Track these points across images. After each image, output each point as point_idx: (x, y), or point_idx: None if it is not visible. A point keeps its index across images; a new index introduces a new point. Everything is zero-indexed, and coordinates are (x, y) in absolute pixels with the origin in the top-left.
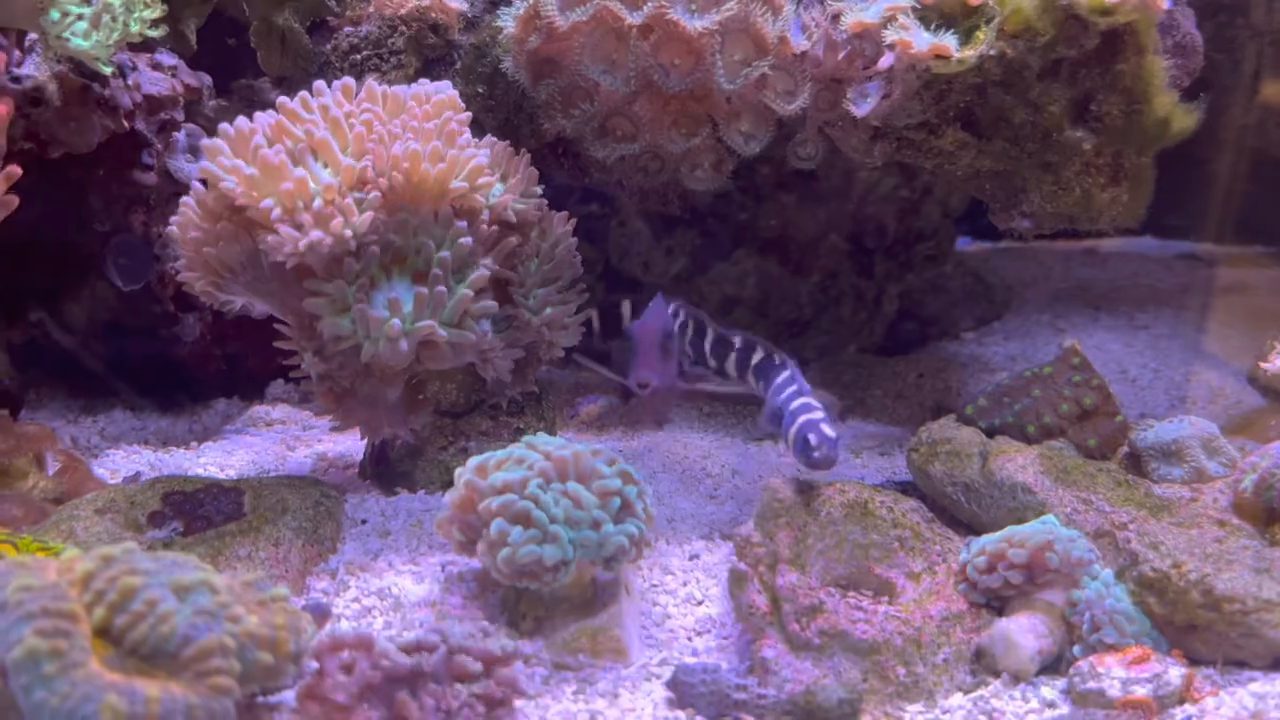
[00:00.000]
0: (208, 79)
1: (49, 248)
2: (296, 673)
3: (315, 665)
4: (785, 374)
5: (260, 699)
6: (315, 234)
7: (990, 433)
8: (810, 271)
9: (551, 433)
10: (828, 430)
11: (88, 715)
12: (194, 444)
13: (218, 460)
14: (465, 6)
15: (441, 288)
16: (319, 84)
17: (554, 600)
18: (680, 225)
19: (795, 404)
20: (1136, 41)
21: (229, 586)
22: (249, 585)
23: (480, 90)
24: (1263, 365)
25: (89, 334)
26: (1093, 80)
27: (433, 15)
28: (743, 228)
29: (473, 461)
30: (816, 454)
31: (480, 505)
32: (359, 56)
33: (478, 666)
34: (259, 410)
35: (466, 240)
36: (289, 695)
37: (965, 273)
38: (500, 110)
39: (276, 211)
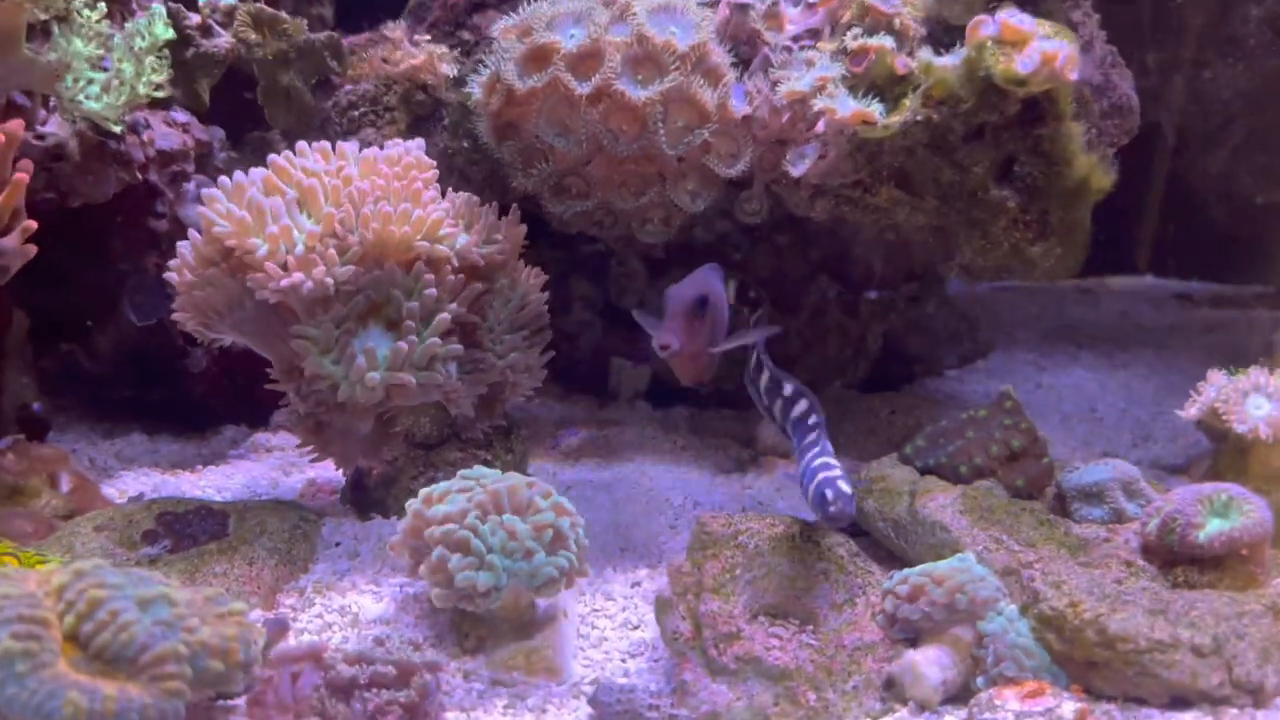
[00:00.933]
0: (220, 133)
1: (78, 285)
2: (247, 679)
3: (267, 674)
4: (813, 435)
5: (219, 702)
6: (298, 276)
7: (926, 472)
8: (799, 309)
9: (520, 465)
10: (844, 487)
11: (52, 710)
12: (199, 467)
13: (217, 483)
14: (452, 69)
15: (414, 337)
16: (301, 144)
17: (494, 621)
18: (676, 265)
19: (816, 462)
20: (1055, 108)
21: (188, 600)
22: (209, 600)
23: (466, 145)
24: (1184, 412)
25: (114, 364)
26: (1015, 143)
27: (422, 76)
28: (737, 267)
29: (422, 492)
30: (832, 509)
31: (425, 532)
32: (356, 113)
33: (393, 673)
34: (261, 437)
35: (431, 291)
36: (243, 701)
37: (950, 312)
38: (485, 163)
39: (263, 250)
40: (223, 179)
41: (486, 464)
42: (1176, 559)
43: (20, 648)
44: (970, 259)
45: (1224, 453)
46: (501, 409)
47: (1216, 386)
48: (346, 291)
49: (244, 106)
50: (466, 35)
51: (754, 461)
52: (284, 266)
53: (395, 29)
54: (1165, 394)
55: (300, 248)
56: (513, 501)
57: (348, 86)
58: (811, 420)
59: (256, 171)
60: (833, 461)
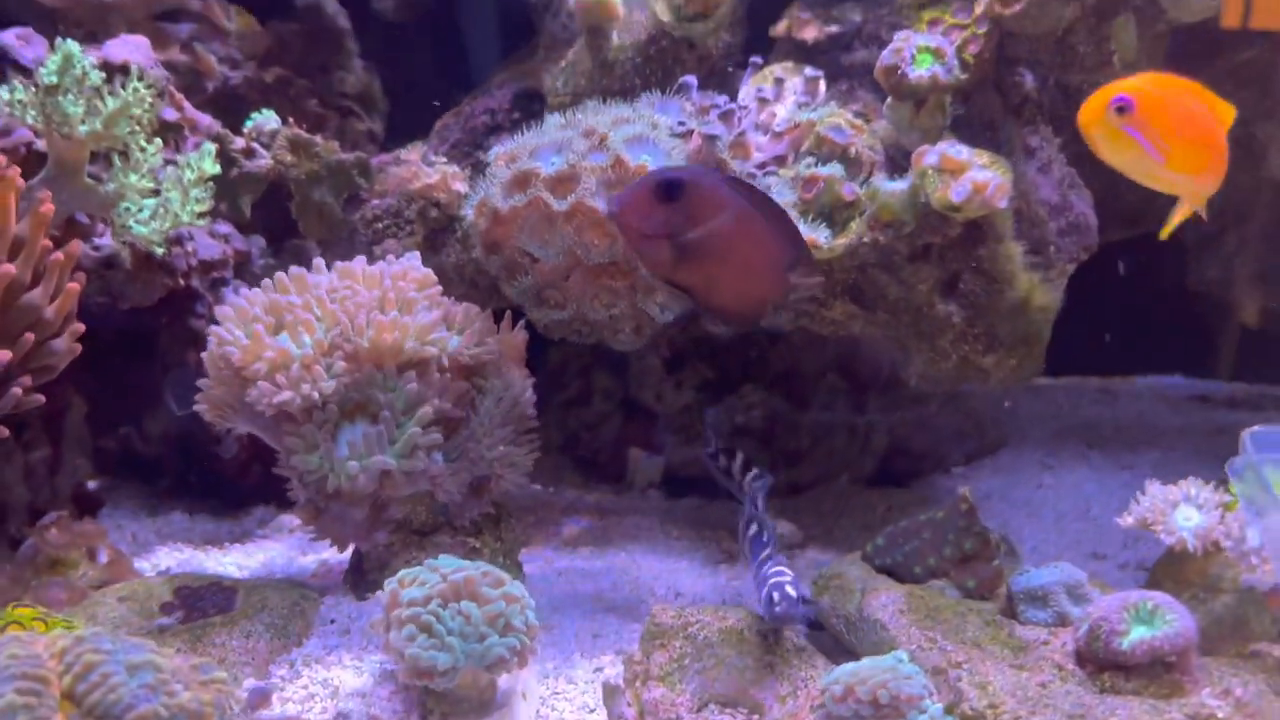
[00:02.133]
0: (260, 241)
1: (131, 376)
2: None
3: None
4: (766, 550)
5: None
6: (287, 394)
7: (884, 570)
8: (810, 406)
9: (510, 552)
10: (790, 591)
11: None
12: (227, 545)
13: (238, 560)
14: (465, 187)
15: (392, 426)
16: (317, 261)
17: (456, 699)
18: (692, 360)
19: (768, 568)
20: (994, 230)
21: (174, 667)
22: (195, 668)
23: (474, 256)
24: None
25: (162, 447)
26: (958, 262)
27: (435, 194)
28: (752, 364)
29: (398, 575)
30: (778, 609)
31: (392, 614)
32: (380, 225)
33: None
34: (285, 518)
35: (412, 386)
36: None
37: (956, 410)
38: (490, 274)
39: (262, 371)
40: (232, 298)
41: (475, 551)
42: (1103, 665)
43: (22, 701)
44: (923, 369)
45: (1161, 561)
46: (489, 498)
47: (1150, 496)
48: (333, 398)
49: (284, 214)
50: (482, 155)
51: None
52: (290, 381)
53: (412, 152)
54: None
55: (296, 366)
56: (470, 590)
57: (374, 201)
58: (765, 537)
59: (258, 295)
60: (785, 569)
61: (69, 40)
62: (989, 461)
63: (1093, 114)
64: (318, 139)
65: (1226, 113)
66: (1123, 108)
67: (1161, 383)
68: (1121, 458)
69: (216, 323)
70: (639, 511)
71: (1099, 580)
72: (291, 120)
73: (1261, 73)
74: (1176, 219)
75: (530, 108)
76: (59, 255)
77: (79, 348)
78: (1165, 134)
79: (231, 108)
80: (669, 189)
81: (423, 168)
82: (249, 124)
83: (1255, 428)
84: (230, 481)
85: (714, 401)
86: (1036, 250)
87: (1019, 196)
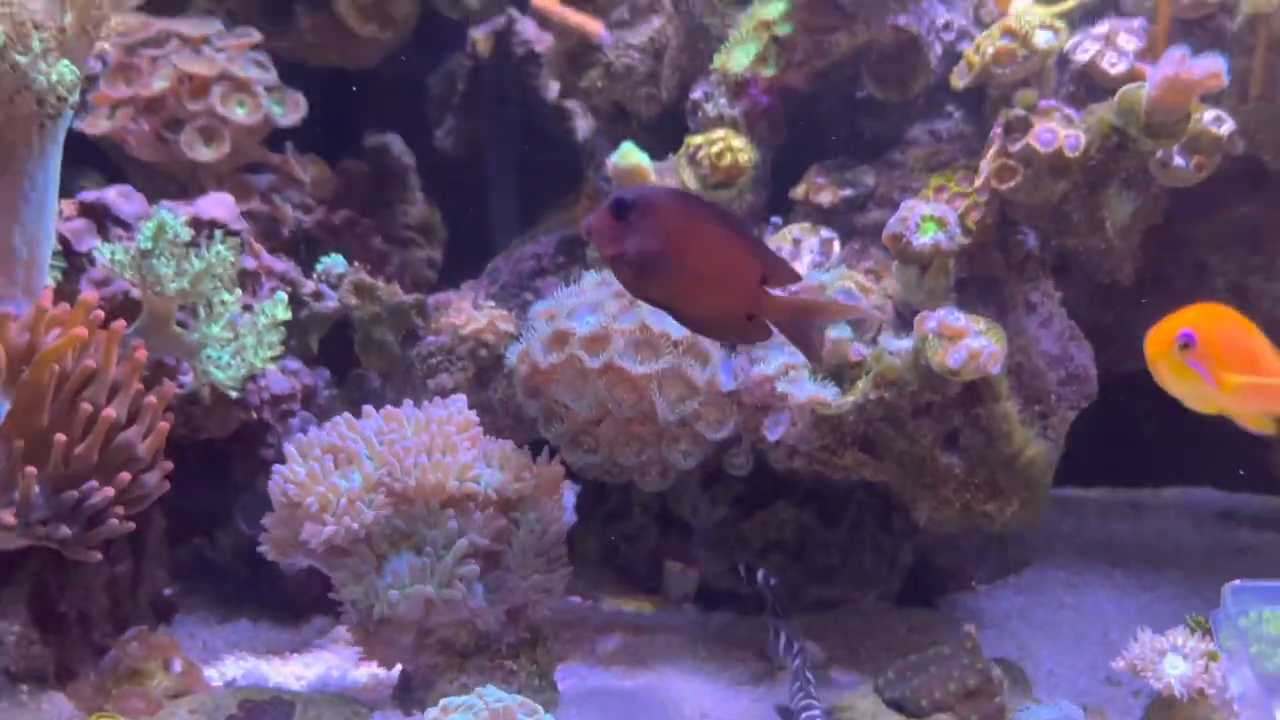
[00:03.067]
0: (325, 374)
1: (206, 496)
2: None
3: None
4: (796, 683)
5: None
6: (332, 528)
7: (892, 704)
8: (839, 524)
9: (545, 674)
10: None
11: None
12: (288, 654)
13: (296, 671)
14: (511, 326)
15: (436, 560)
16: (367, 408)
17: None
18: (726, 475)
19: (799, 700)
20: (991, 391)
21: None
22: None
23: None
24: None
25: (232, 559)
26: (958, 419)
27: (485, 335)
28: (784, 479)
29: (441, 701)
30: None
31: None
32: (434, 360)
33: None
34: (340, 630)
35: (452, 523)
36: None
37: (980, 529)
38: None
39: (314, 506)
40: (298, 436)
41: (512, 674)
42: None
43: None
44: (928, 515)
45: (1153, 704)
46: (526, 624)
47: (1140, 644)
48: (379, 532)
49: (348, 346)
50: (529, 296)
51: (770, 675)
52: (334, 513)
53: (465, 295)
54: (1180, 621)
55: (344, 501)
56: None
57: (429, 338)
58: (795, 664)
59: (318, 436)
60: (815, 703)
61: (164, 210)
62: (1012, 579)
63: (1158, 348)
64: (380, 284)
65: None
66: (1187, 344)
67: (1190, 496)
68: (1145, 577)
69: (283, 456)
70: (671, 629)
71: (1100, 714)
72: (357, 264)
73: (1254, 229)
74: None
75: (574, 252)
76: (153, 399)
77: (167, 485)
78: (1224, 366)
79: (304, 248)
80: (620, 208)
81: (473, 312)
82: (319, 267)
83: (1236, 582)
84: (293, 594)
85: (746, 516)
86: (1038, 400)
87: (1020, 351)
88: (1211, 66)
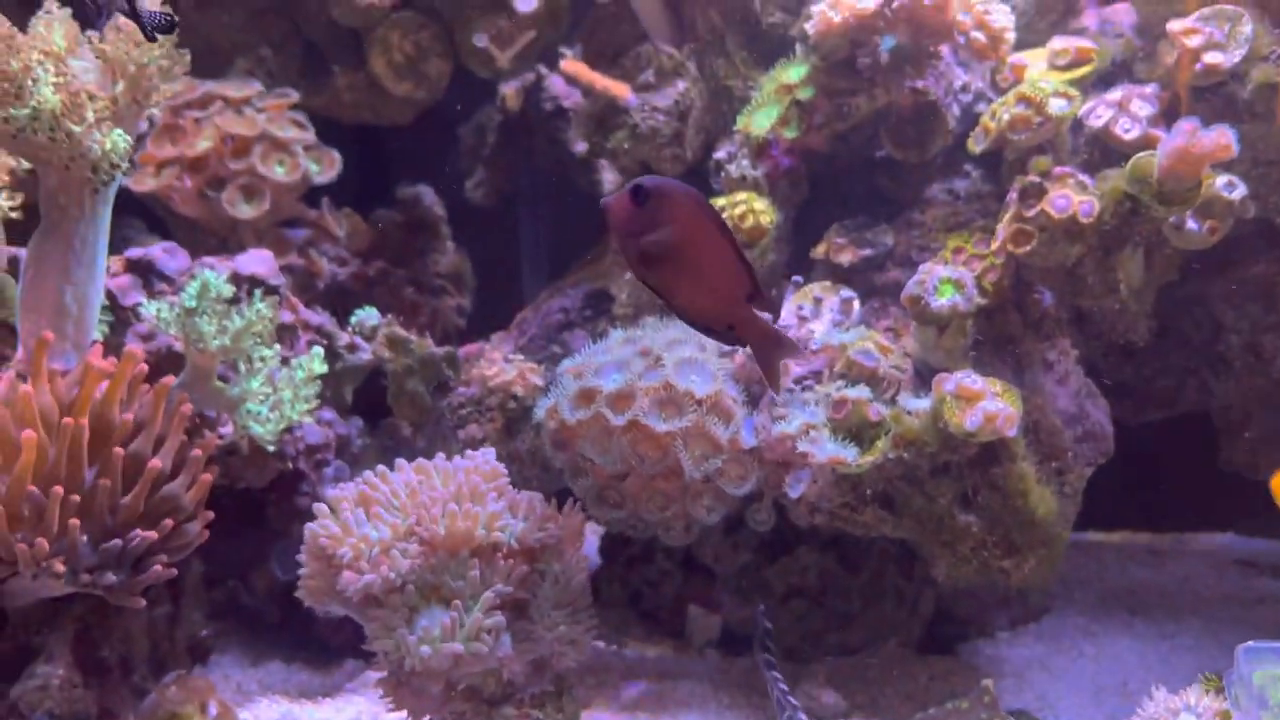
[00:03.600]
0: (358, 423)
1: (242, 541)
2: None
3: None
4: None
5: None
6: (369, 577)
7: None
8: (861, 570)
9: None
10: None
11: None
12: (319, 697)
13: (328, 716)
14: (539, 379)
15: (462, 612)
16: (400, 460)
17: None
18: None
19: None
20: (1008, 451)
21: None
22: None
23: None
24: None
25: (267, 601)
26: (975, 479)
27: (513, 387)
28: (807, 529)
29: None
30: None
31: None
32: (464, 411)
33: None
34: (370, 674)
35: (475, 574)
36: None
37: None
38: None
39: (348, 557)
40: (331, 492)
41: None
42: None
43: None
44: (945, 572)
45: None
46: (552, 674)
47: (1155, 702)
48: (410, 582)
49: (380, 396)
50: (556, 349)
51: None
52: (360, 571)
53: (495, 347)
54: (1197, 672)
55: (376, 550)
56: None
57: (460, 389)
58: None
59: (350, 488)
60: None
61: (207, 270)
62: (1033, 627)
63: None
64: (412, 337)
65: None
66: None
67: (1211, 542)
68: (1165, 626)
69: (318, 501)
70: (694, 676)
71: None
72: (390, 316)
73: (1267, 288)
74: None
75: (600, 306)
76: (198, 451)
77: (207, 534)
78: None
79: (339, 300)
80: (638, 193)
81: (502, 365)
82: (353, 320)
83: (1249, 643)
84: (325, 637)
85: (769, 562)
86: (1055, 457)
87: (1036, 409)
88: (1220, 139)
